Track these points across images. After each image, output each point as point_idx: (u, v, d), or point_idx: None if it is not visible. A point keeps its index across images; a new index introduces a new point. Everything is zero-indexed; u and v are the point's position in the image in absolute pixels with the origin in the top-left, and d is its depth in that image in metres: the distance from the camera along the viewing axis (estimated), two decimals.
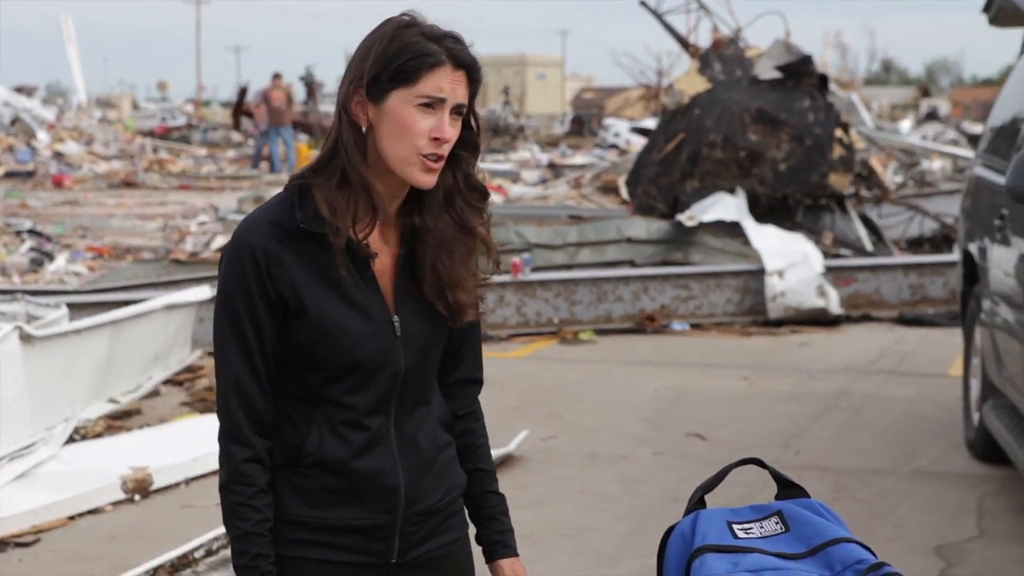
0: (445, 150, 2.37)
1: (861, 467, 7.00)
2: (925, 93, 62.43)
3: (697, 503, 2.38)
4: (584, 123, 49.34)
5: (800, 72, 13.01)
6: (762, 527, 2.30)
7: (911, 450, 7.30)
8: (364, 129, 2.38)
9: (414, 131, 2.34)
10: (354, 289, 2.40)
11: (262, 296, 2.37)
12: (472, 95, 2.41)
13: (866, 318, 11.49)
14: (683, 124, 13.06)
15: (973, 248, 7.09)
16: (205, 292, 9.10)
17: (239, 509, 2.40)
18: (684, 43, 14.73)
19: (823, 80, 13.35)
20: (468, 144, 2.44)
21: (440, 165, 2.38)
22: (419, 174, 2.37)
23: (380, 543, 2.45)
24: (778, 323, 11.15)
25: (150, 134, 38.91)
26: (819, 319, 11.13)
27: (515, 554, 2.62)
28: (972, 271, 7.19)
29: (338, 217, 2.36)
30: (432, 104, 2.35)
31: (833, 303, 11.13)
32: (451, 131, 2.37)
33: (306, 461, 2.42)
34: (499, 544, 2.60)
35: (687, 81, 13.45)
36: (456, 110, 2.38)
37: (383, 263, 2.44)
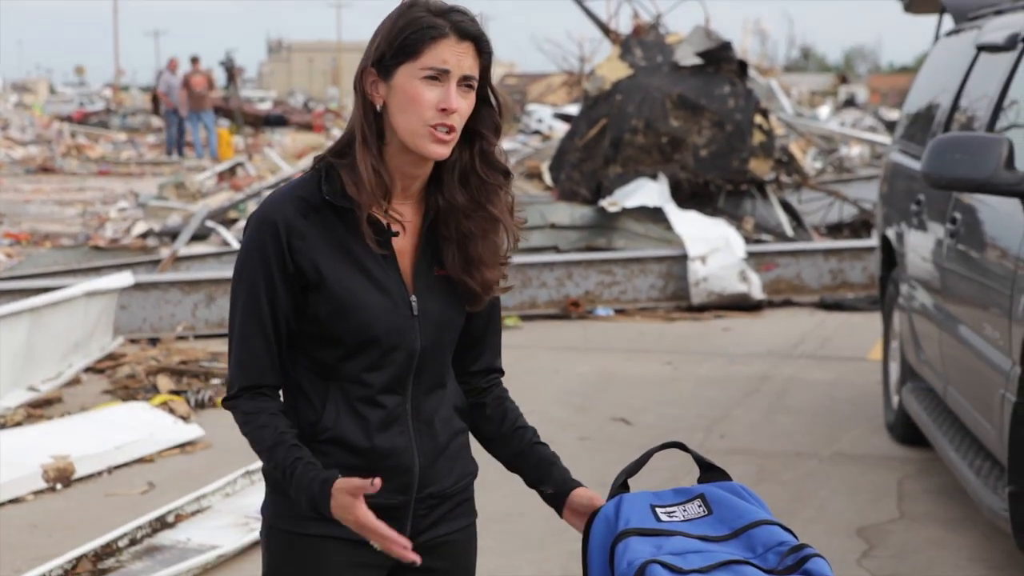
0: (454, 120, 2.39)
1: (784, 450, 7.08)
2: (843, 80, 63.01)
3: (620, 487, 2.40)
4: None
5: (720, 58, 13.09)
6: (685, 510, 2.33)
7: (832, 433, 7.38)
8: (379, 108, 2.42)
9: (421, 103, 2.37)
10: (374, 266, 2.44)
11: (280, 269, 2.41)
12: (484, 68, 2.44)
13: (787, 303, 11.59)
14: (605, 110, 13.09)
15: (891, 233, 7.18)
16: (126, 279, 9.01)
17: (255, 435, 2.44)
18: (605, 29, 14.76)
19: (743, 66, 13.44)
20: (486, 121, 2.47)
21: (452, 137, 2.40)
22: (431, 145, 2.39)
23: (393, 523, 2.44)
24: (701, 308, 11.21)
25: (68, 119, 38.46)
26: (741, 304, 11.22)
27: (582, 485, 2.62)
28: (890, 256, 7.29)
29: (362, 195, 2.40)
30: (437, 76, 2.38)
31: (755, 288, 11.23)
32: (459, 101, 2.39)
33: (322, 437, 2.46)
34: (568, 479, 2.60)
35: (608, 67, 13.48)
36: (465, 82, 2.40)
37: (404, 243, 2.47)
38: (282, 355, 2.46)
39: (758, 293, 11.25)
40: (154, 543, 5.68)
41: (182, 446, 7.17)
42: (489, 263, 2.49)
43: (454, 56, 2.38)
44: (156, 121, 36.05)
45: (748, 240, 11.98)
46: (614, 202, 12.14)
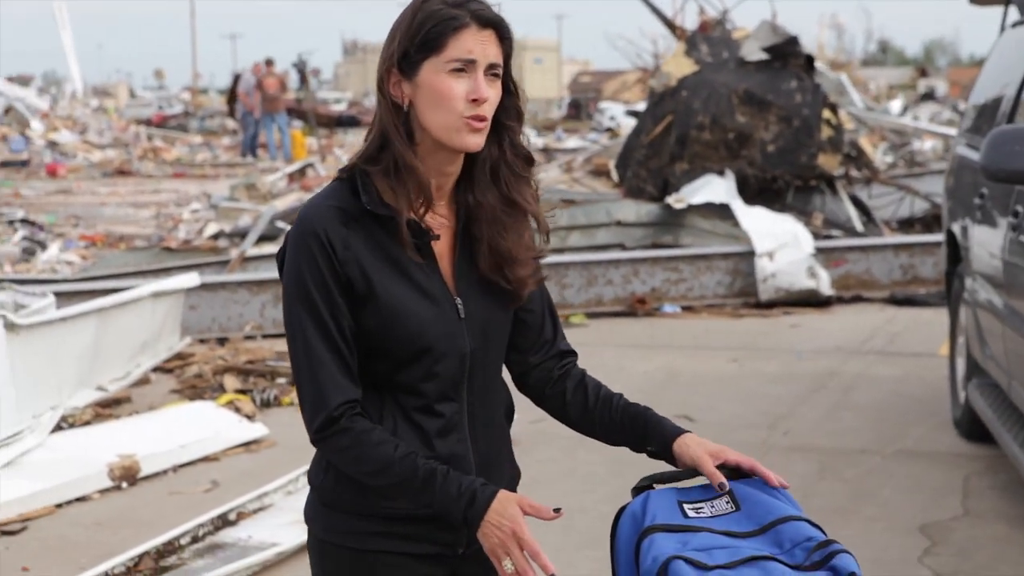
0: (486, 110, 2.34)
1: (847, 447, 7.01)
2: (923, 73, 62.27)
3: (647, 488, 2.38)
4: (581, 107, 49.24)
5: (787, 53, 12.99)
6: (712, 507, 2.30)
7: (898, 430, 7.31)
8: (405, 108, 2.36)
9: (451, 97, 2.32)
10: (418, 273, 2.37)
11: (334, 279, 2.33)
12: (506, 56, 2.38)
13: (857, 299, 11.49)
14: (671, 106, 13.04)
15: (956, 228, 7.09)
16: (193, 279, 9.10)
17: (372, 452, 2.32)
18: (671, 25, 14.70)
19: (810, 61, 13.34)
20: (511, 111, 2.42)
21: (485, 125, 2.35)
22: (467, 137, 2.34)
23: (450, 533, 2.41)
24: (769, 305, 11.14)
25: (147, 122, 38.90)
26: (810, 300, 11.13)
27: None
28: (955, 251, 7.20)
29: (399, 200, 2.34)
30: (464, 67, 2.32)
31: (824, 284, 11.14)
32: (488, 91, 2.34)
33: None
34: (667, 432, 2.47)
35: (674, 63, 13.42)
36: (491, 71, 2.35)
37: (442, 245, 2.41)
38: (356, 369, 2.37)
39: (827, 289, 11.16)
40: (216, 541, 5.74)
41: (247, 445, 7.23)
42: (520, 259, 2.43)
43: (478, 45, 2.33)
44: (230, 123, 36.39)
45: (817, 236, 11.88)
46: (680, 199, 12.08)
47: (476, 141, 2.35)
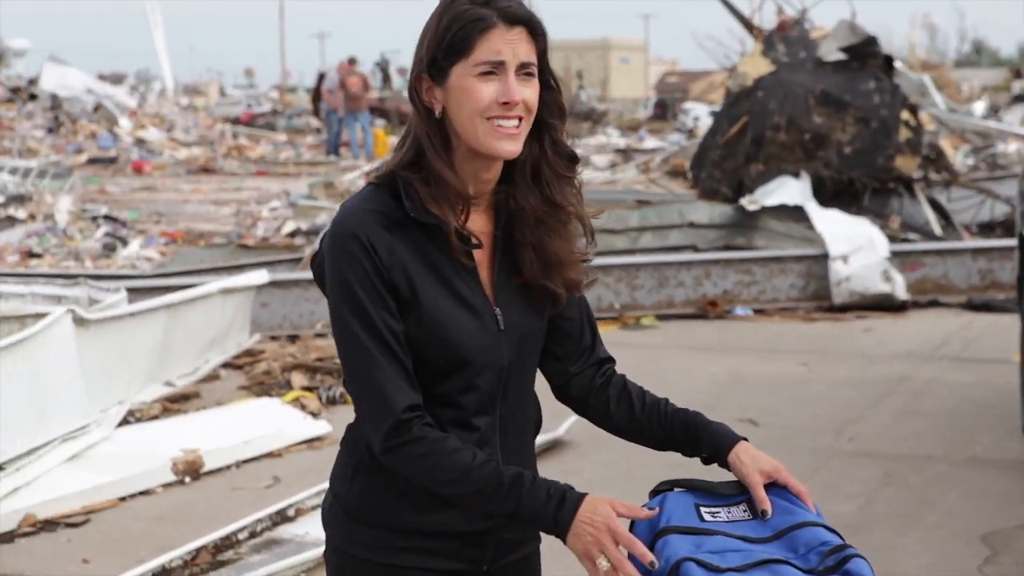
0: (519, 112, 2.26)
1: (914, 453, 6.92)
2: (1017, 75, 61.20)
3: (666, 490, 2.36)
4: (667, 107, 48.92)
5: (865, 53, 12.83)
6: (730, 512, 2.28)
7: (966, 437, 7.20)
8: (438, 115, 2.28)
9: (479, 100, 2.23)
10: (460, 283, 2.30)
11: (382, 283, 2.25)
12: (541, 52, 2.30)
13: (934, 303, 11.33)
14: (747, 107, 12.93)
15: None
16: (262, 276, 9.17)
17: (449, 460, 2.23)
18: (748, 25, 14.58)
19: (888, 61, 13.16)
20: (552, 108, 2.33)
21: (521, 130, 2.27)
22: (496, 143, 2.25)
23: (476, 549, 2.37)
24: (843, 308, 11.02)
25: (236, 121, 39.22)
26: (885, 304, 10.99)
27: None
28: None
29: (443, 209, 2.27)
30: (493, 69, 2.24)
31: (899, 288, 10.99)
32: (522, 91, 2.25)
33: None
34: (721, 441, 2.42)
35: (751, 63, 13.31)
36: (524, 70, 2.26)
37: (481, 254, 2.34)
38: (412, 373, 2.28)
39: (902, 293, 11.02)
40: (273, 536, 5.79)
41: (310, 441, 7.27)
42: (567, 262, 2.35)
43: (507, 45, 2.23)
44: (314, 122, 36.62)
45: (894, 239, 11.72)
46: (754, 200, 11.99)
47: (510, 147, 2.27)
